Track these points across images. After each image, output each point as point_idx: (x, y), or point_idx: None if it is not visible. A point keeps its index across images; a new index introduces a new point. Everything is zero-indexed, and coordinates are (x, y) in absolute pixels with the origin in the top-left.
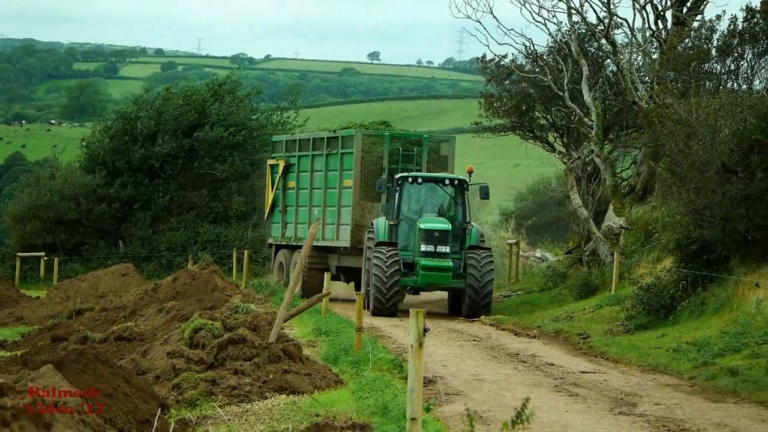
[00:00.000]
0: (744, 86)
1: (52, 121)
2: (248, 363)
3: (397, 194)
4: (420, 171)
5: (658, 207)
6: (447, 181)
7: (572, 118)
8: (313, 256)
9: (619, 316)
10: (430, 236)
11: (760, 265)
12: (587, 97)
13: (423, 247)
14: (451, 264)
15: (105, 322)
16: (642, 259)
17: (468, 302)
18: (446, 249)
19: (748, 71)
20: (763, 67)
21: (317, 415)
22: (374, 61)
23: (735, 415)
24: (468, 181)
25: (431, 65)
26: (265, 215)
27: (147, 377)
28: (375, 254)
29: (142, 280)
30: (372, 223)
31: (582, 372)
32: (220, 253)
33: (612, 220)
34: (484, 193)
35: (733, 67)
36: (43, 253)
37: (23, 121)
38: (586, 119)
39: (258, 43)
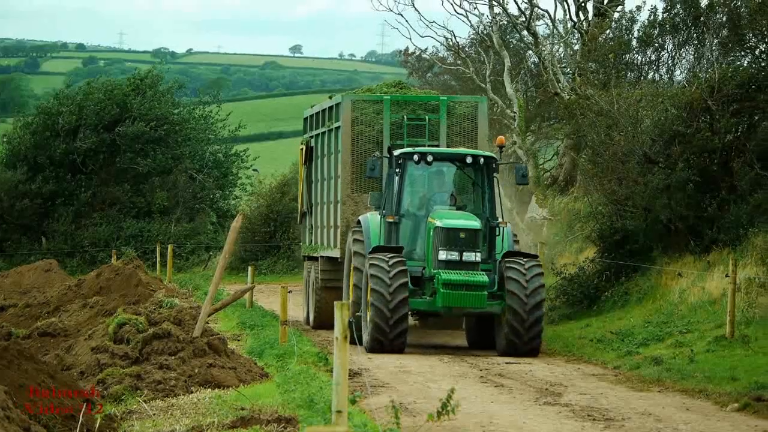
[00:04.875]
0: (665, 77)
1: None
2: (173, 357)
3: (397, 179)
4: (437, 146)
5: (581, 198)
6: (469, 159)
7: (494, 109)
8: (327, 271)
9: None
10: (452, 238)
11: (682, 254)
12: (509, 88)
13: (443, 254)
14: (486, 279)
15: (28, 318)
16: (565, 250)
17: (508, 333)
18: (476, 256)
19: (669, 61)
20: (684, 57)
21: (243, 408)
22: (296, 55)
23: (659, 404)
24: (498, 159)
25: (353, 58)
26: (299, 218)
27: (72, 373)
28: (372, 263)
29: (66, 276)
30: (358, 221)
31: (507, 363)
32: (144, 248)
33: (535, 211)
34: (522, 176)
35: (654, 58)
36: None
37: None
38: (508, 111)
39: (180, 36)
